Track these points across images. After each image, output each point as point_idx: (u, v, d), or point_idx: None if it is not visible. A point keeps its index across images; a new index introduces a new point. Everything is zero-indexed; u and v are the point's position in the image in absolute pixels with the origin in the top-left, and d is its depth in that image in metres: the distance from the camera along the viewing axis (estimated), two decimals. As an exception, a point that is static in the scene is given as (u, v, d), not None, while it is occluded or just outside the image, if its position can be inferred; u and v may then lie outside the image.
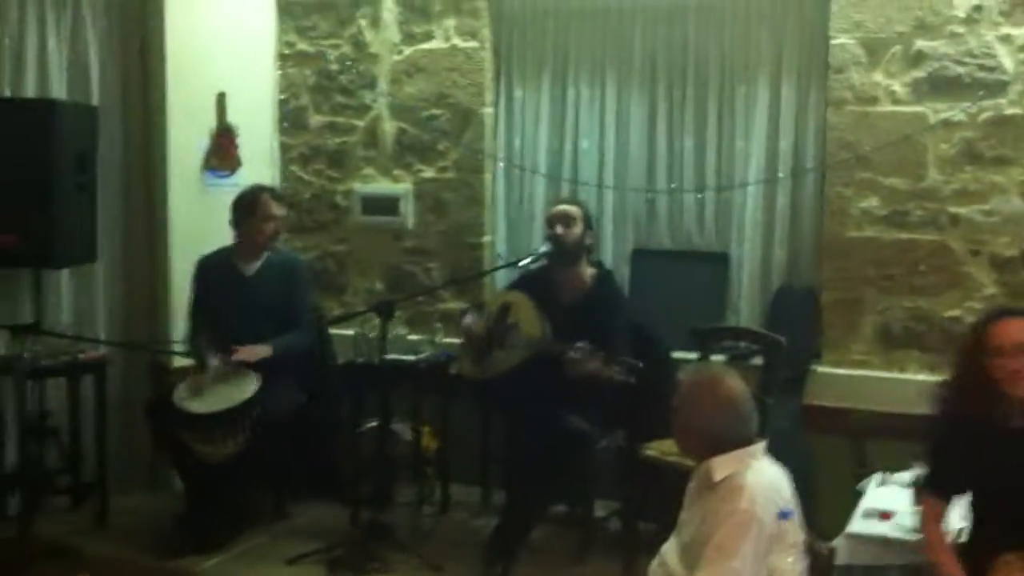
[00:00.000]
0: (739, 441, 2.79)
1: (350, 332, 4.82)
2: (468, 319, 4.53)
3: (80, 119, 4.71)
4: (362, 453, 4.73)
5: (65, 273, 4.95)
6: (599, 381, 4.06)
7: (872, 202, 4.73)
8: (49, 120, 4.48)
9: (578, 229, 4.36)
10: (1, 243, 4.41)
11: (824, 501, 4.27)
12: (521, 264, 4.53)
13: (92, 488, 4.71)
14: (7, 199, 4.43)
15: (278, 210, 4.66)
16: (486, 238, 5.48)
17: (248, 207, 4.60)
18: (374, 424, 4.63)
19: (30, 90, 4.83)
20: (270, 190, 4.74)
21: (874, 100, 4.70)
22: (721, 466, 2.75)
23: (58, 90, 4.91)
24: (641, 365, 3.91)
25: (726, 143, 5.12)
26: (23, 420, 4.47)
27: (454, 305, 5.36)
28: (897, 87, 4.66)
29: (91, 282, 5.08)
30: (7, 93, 4.77)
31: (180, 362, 4.66)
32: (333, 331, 4.89)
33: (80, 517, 4.68)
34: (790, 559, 2.41)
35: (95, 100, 5.02)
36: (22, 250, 4.44)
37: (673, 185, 5.17)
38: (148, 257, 5.26)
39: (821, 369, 4.79)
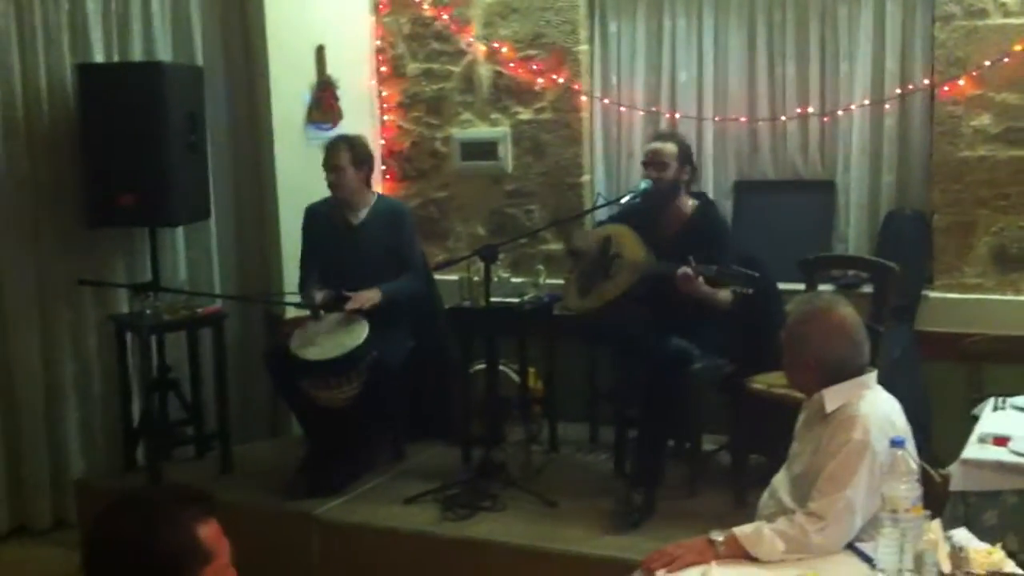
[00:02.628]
0: (852, 371, 2.76)
1: (455, 277, 4.89)
2: (577, 241, 4.54)
3: (187, 80, 4.83)
4: (472, 395, 4.82)
5: (180, 231, 5.11)
6: (711, 301, 4.04)
7: (984, 120, 4.57)
8: (157, 82, 4.60)
9: (672, 168, 4.28)
10: (120, 203, 4.58)
11: (939, 427, 4.21)
12: (621, 202, 4.52)
13: (215, 437, 4.88)
14: (122, 161, 4.58)
15: (333, 158, 4.56)
16: (585, 177, 5.47)
17: (324, 158, 4.65)
18: (482, 366, 4.70)
19: (137, 54, 4.96)
20: (344, 140, 4.65)
21: (983, 13, 4.53)
22: (833, 397, 2.73)
23: (164, 52, 5.04)
24: (758, 275, 3.86)
25: (829, 66, 5.00)
26: (146, 375, 4.66)
27: (556, 246, 5.39)
28: (1008, -2, 4.47)
29: (205, 238, 5.23)
30: (115, 58, 4.92)
31: (294, 312, 4.79)
32: (438, 276, 4.95)
33: (205, 466, 4.85)
34: (904, 487, 2.38)
35: (200, 60, 5.14)
36: (139, 210, 4.60)
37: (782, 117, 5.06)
38: (257, 212, 5.40)
39: (933, 294, 4.69)
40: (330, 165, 4.56)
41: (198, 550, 1.83)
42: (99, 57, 4.85)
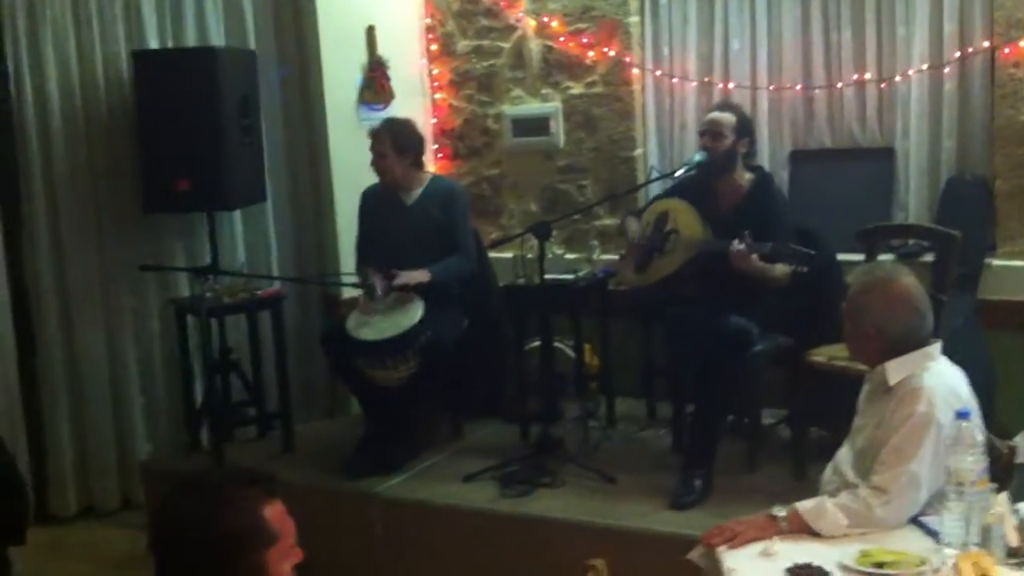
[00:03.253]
0: (915, 342, 2.71)
1: (508, 255, 4.88)
2: (633, 226, 4.50)
3: (240, 64, 4.87)
4: (527, 372, 4.82)
5: (237, 214, 5.17)
6: (767, 278, 4.00)
7: (1048, 82, 4.45)
8: (211, 67, 4.65)
9: (728, 139, 4.22)
10: (177, 188, 4.63)
11: (1004, 398, 4.13)
12: (676, 175, 4.47)
13: (276, 417, 4.93)
14: (178, 146, 4.63)
15: (376, 145, 4.56)
16: (638, 151, 5.43)
17: (370, 144, 4.65)
18: (537, 344, 4.70)
19: (190, 39, 5.01)
20: (387, 127, 4.62)
21: (1047, -28, 4.40)
22: (897, 369, 2.69)
23: (216, 37, 5.09)
24: (814, 252, 3.81)
25: (886, 31, 4.89)
26: (207, 357, 4.72)
27: (609, 222, 5.36)
28: (1071, -44, 4.34)
29: (261, 221, 5.29)
30: (170, 44, 4.97)
31: (350, 292, 4.82)
32: (492, 254, 4.95)
33: (267, 445, 4.91)
34: (969, 460, 2.34)
35: (252, 44, 5.17)
36: (196, 194, 4.67)
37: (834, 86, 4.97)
38: (313, 194, 5.44)
39: (997, 262, 4.59)
40: (374, 152, 4.58)
41: (263, 531, 1.85)
42: (154, 43, 4.90)
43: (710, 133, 4.26)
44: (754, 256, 3.93)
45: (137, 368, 4.96)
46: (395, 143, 4.56)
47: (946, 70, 4.73)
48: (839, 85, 4.98)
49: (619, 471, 4.22)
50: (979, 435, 2.44)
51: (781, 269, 3.98)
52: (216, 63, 4.67)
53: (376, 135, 4.60)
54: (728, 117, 4.27)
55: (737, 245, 3.91)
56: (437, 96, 5.86)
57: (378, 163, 4.59)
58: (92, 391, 4.86)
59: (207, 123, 4.63)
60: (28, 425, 4.76)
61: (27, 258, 4.75)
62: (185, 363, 4.84)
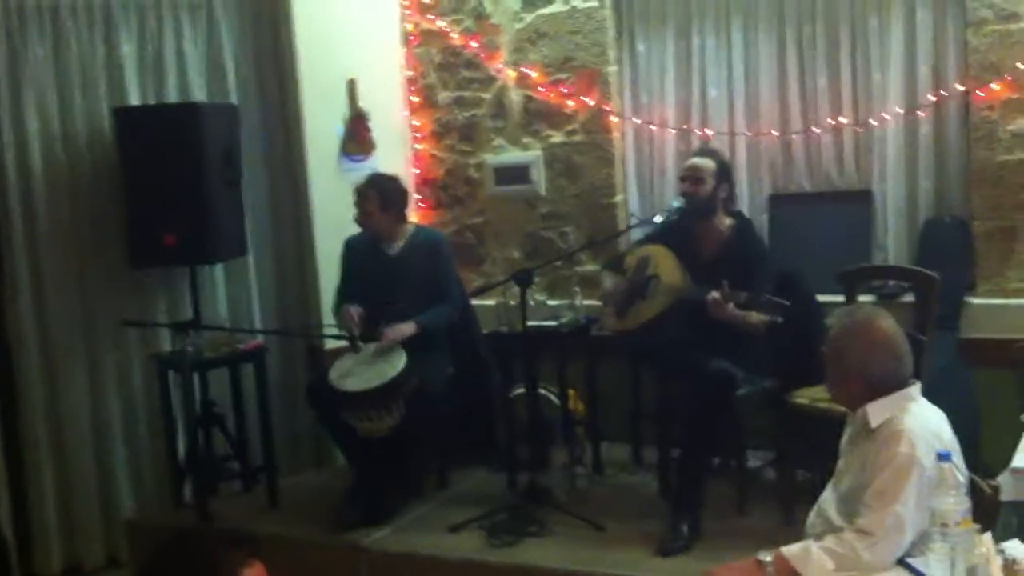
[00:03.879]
0: (895, 384, 2.73)
1: (491, 302, 4.89)
2: (608, 283, 4.53)
3: (222, 118, 4.89)
4: (514, 419, 4.81)
5: (219, 268, 5.16)
6: (743, 325, 4.02)
7: (1021, 123, 4.53)
8: (194, 122, 4.67)
9: (709, 184, 4.28)
10: (164, 243, 4.63)
11: (989, 436, 4.14)
12: (656, 221, 4.52)
13: (261, 471, 4.91)
14: (162, 201, 4.63)
15: (361, 203, 4.61)
16: (619, 197, 5.47)
17: (354, 199, 4.68)
18: (522, 391, 4.70)
19: (172, 95, 5.03)
20: (373, 184, 4.65)
21: (1016, 16, 4.49)
22: (878, 411, 2.70)
23: (199, 92, 5.10)
24: (787, 303, 3.84)
25: (861, 76, 4.95)
26: (190, 411, 4.68)
27: (592, 268, 5.37)
28: (1040, 1, 4.42)
29: (243, 274, 5.27)
30: (152, 100, 4.99)
31: (334, 344, 4.82)
32: (476, 302, 4.96)
33: (252, 499, 4.88)
34: (952, 500, 2.35)
35: (234, 98, 5.20)
36: (180, 249, 4.66)
37: (814, 128, 5.03)
38: (295, 245, 5.44)
39: (977, 301, 4.63)
40: (359, 209, 4.62)
41: None
42: (135, 99, 4.93)
43: (691, 179, 4.31)
44: (730, 305, 3.97)
45: (120, 423, 4.93)
46: (381, 200, 4.61)
47: (921, 113, 4.80)
48: (816, 130, 5.04)
49: (607, 518, 4.22)
50: (961, 476, 2.46)
51: (757, 316, 4.01)
52: (199, 118, 4.69)
53: (362, 193, 4.63)
54: (708, 163, 4.33)
55: (714, 295, 3.95)
56: (419, 146, 5.90)
57: (363, 219, 4.64)
58: (75, 446, 4.82)
59: (190, 177, 4.64)
60: (10, 481, 4.71)
61: (9, 313, 4.73)
62: (168, 418, 4.82)
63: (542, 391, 4.81)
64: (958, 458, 2.61)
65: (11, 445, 4.73)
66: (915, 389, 2.76)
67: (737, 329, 4.06)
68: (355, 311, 4.49)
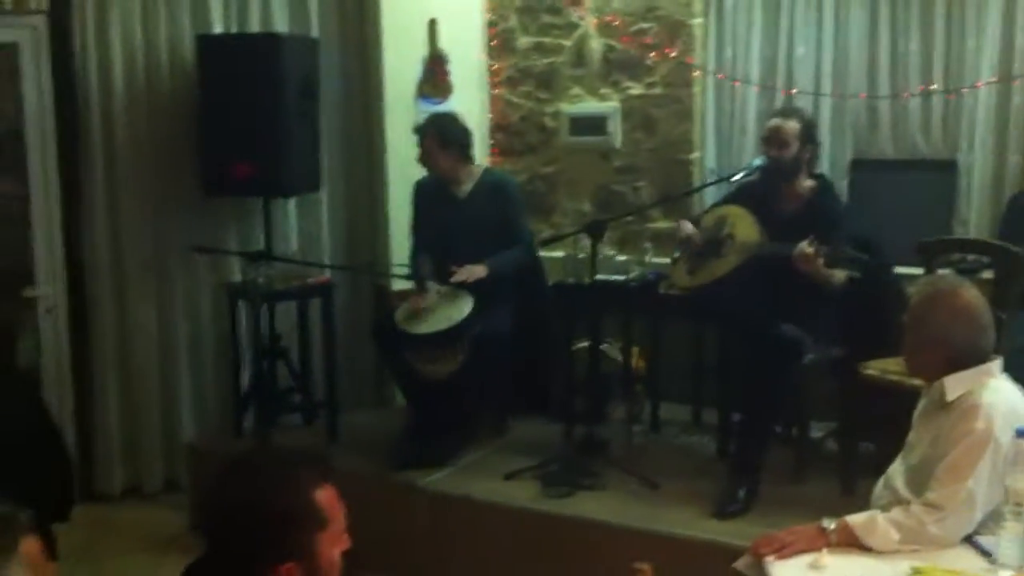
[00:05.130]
0: (976, 357, 2.65)
1: (560, 254, 4.86)
2: (687, 228, 4.43)
3: (302, 51, 4.88)
4: (574, 372, 4.79)
5: (292, 201, 5.19)
6: (826, 282, 3.93)
7: (1119, 99, 4.35)
8: (274, 53, 4.67)
9: (794, 147, 4.13)
10: (236, 173, 4.65)
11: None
12: (733, 180, 4.42)
13: (322, 406, 4.96)
14: (239, 131, 4.66)
15: (426, 143, 4.58)
16: (696, 154, 5.38)
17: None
18: (585, 344, 4.67)
19: (255, 25, 5.04)
20: (431, 123, 4.63)
21: (1125, -13, 4.30)
22: (956, 385, 2.63)
23: (280, 24, 5.11)
24: (867, 258, 3.75)
25: (955, 42, 4.81)
26: (257, 342, 4.74)
27: (663, 224, 5.30)
28: None
29: (316, 209, 5.30)
30: (234, 29, 5.00)
31: (401, 284, 4.82)
32: (543, 253, 4.92)
33: (312, 433, 4.93)
34: (1029, 480, 2.29)
35: (315, 32, 5.19)
36: (254, 180, 4.69)
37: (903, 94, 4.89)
38: (368, 184, 5.44)
39: (1061, 282, 4.48)
40: (420, 147, 4.61)
41: (315, 514, 1.84)
42: (218, 28, 4.94)
43: (775, 141, 4.17)
44: (820, 260, 3.86)
45: (187, 350, 5.00)
46: (440, 138, 4.58)
47: (1015, 84, 4.63)
48: (904, 95, 4.90)
49: (662, 476, 4.18)
50: (1040, 455, 2.39)
51: (839, 276, 3.92)
52: (279, 49, 4.69)
53: (421, 131, 4.62)
54: (792, 124, 4.18)
55: (803, 246, 3.85)
56: (495, 92, 5.85)
57: (424, 159, 4.62)
58: (141, 370, 4.90)
59: (268, 109, 4.65)
60: (77, 402, 4.81)
61: (84, 233, 4.80)
62: (234, 347, 4.88)
63: (605, 346, 4.77)
64: (1037, 437, 2.53)
65: (80, 366, 4.82)
66: (996, 365, 2.68)
67: (816, 291, 3.96)
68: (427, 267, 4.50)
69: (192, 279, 4.98)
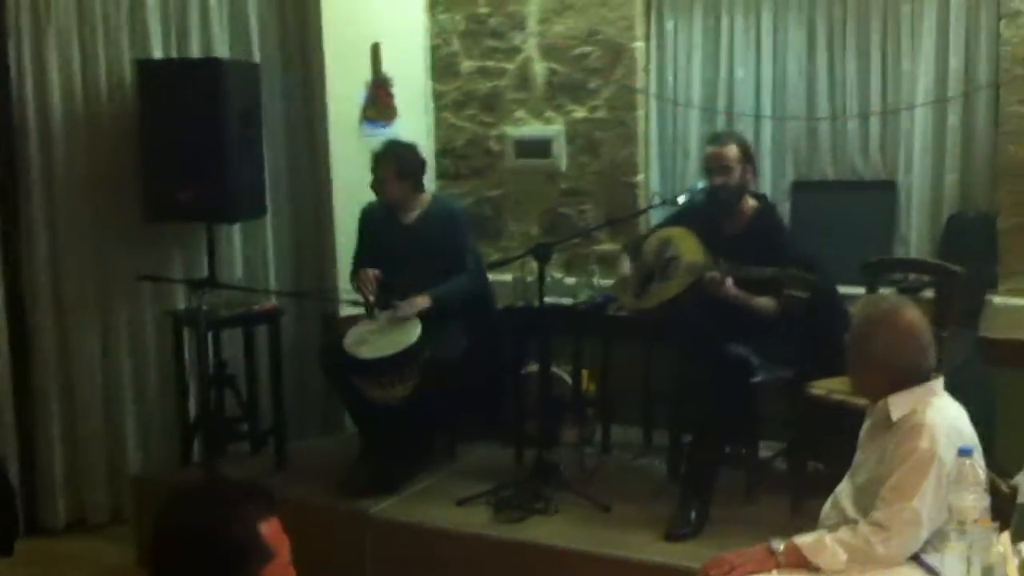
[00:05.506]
0: (918, 377, 2.70)
1: (508, 277, 4.86)
2: (625, 267, 4.49)
3: (244, 76, 4.85)
4: (525, 395, 4.79)
5: (236, 227, 5.14)
6: (749, 307, 4.02)
7: (1052, 120, 4.46)
8: (215, 79, 4.63)
9: (736, 172, 4.18)
10: (179, 198, 4.60)
11: (1005, 436, 4.11)
12: (678, 201, 4.47)
13: (269, 433, 4.90)
14: (181, 156, 4.61)
15: (378, 171, 4.58)
16: (640, 176, 5.42)
17: (371, 165, 4.64)
18: (534, 367, 4.68)
19: (195, 50, 5.00)
20: (391, 151, 4.62)
21: (1053, 10, 4.42)
22: (899, 404, 2.67)
23: (221, 48, 5.07)
24: (814, 278, 3.80)
25: (891, 65, 4.90)
26: (203, 370, 4.67)
27: (610, 246, 5.33)
28: (1079, -6, 4.36)
29: (261, 235, 5.26)
30: (174, 54, 4.95)
31: (348, 310, 4.80)
32: (492, 276, 4.92)
33: (260, 461, 4.86)
34: (971, 498, 2.32)
35: (256, 57, 5.16)
36: (197, 205, 4.63)
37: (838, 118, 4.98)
38: (313, 209, 5.41)
39: (998, 300, 4.58)
40: (375, 175, 4.59)
41: (260, 548, 1.82)
42: (158, 52, 4.89)
43: (717, 168, 4.20)
44: (730, 283, 3.94)
45: (131, 379, 4.92)
46: (398, 168, 4.57)
47: (950, 105, 4.73)
48: (843, 117, 4.98)
49: (614, 499, 4.19)
50: (981, 473, 2.42)
51: (765, 302, 4.00)
52: (220, 74, 4.65)
53: (379, 159, 4.60)
54: (731, 149, 4.22)
55: (711, 273, 3.91)
56: (440, 115, 5.85)
57: (378, 186, 4.61)
58: (85, 400, 4.81)
59: (210, 134, 4.61)
60: (19, 434, 4.71)
61: (24, 263, 4.71)
62: (180, 376, 4.81)
63: (555, 369, 4.78)
64: (979, 455, 2.58)
65: (21, 397, 4.72)
66: (938, 383, 2.73)
67: (745, 312, 4.03)
68: (372, 273, 4.47)
69: (136, 307, 4.91)
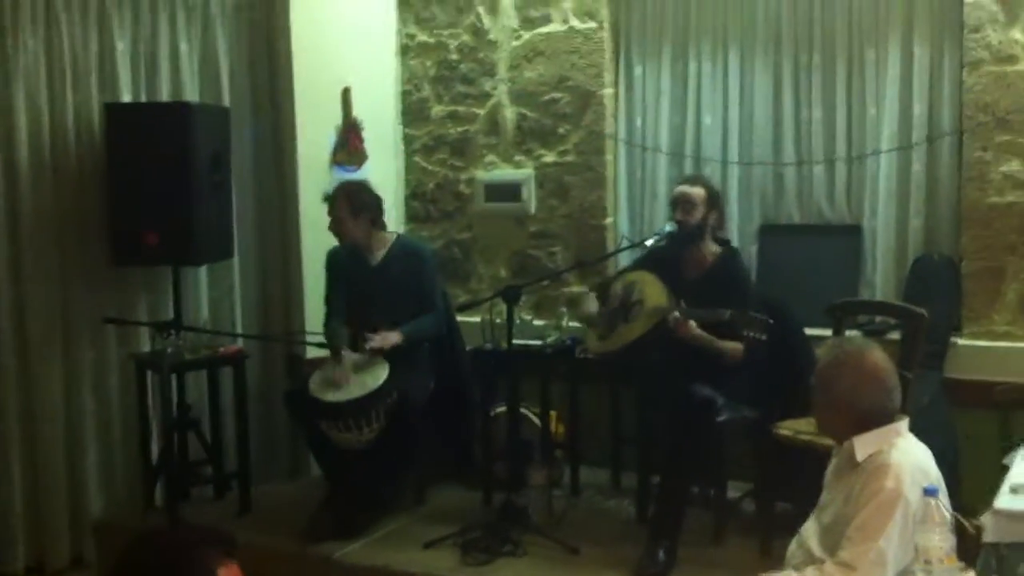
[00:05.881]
0: (884, 417, 2.70)
1: (476, 319, 4.85)
2: (591, 306, 4.52)
3: (213, 120, 4.86)
4: (493, 438, 4.77)
5: (203, 270, 5.11)
6: (712, 349, 4.08)
7: (1013, 165, 4.53)
8: (184, 122, 4.63)
9: (699, 212, 4.29)
10: (146, 241, 4.58)
11: (969, 477, 4.13)
12: (646, 244, 4.52)
13: (234, 478, 4.85)
14: (148, 199, 4.59)
15: (331, 210, 4.60)
16: (609, 220, 5.45)
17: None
18: (503, 409, 4.66)
19: (164, 94, 5.00)
20: (342, 190, 4.66)
21: (1013, 59, 4.51)
22: (865, 445, 2.68)
23: (191, 92, 5.07)
24: (771, 320, 3.83)
25: (856, 111, 4.97)
26: (166, 414, 4.62)
27: (579, 289, 5.35)
28: (1037, 44, 4.45)
29: (227, 278, 5.23)
30: (143, 97, 4.95)
31: (315, 352, 4.77)
32: (460, 318, 4.93)
33: (223, 506, 4.82)
34: (937, 537, 2.32)
35: (226, 101, 5.17)
36: (163, 248, 4.62)
37: (802, 158, 5.05)
38: (281, 252, 5.39)
39: (962, 342, 4.62)
40: (331, 216, 4.61)
41: None
42: (127, 96, 4.88)
43: (682, 206, 4.31)
44: (692, 325, 4.00)
45: (94, 422, 4.85)
46: (351, 206, 4.58)
47: (914, 151, 4.80)
48: (809, 162, 5.04)
49: (583, 541, 4.17)
50: (947, 513, 2.43)
51: (729, 345, 4.05)
52: (189, 118, 4.65)
53: (331, 199, 4.62)
54: (698, 190, 4.35)
55: (674, 314, 3.95)
56: (410, 159, 5.87)
57: (335, 227, 4.61)
58: (47, 444, 4.72)
59: (178, 178, 4.60)
60: (-22, 477, 4.64)
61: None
62: (143, 419, 4.76)
63: (523, 411, 4.76)
64: (944, 495, 2.58)
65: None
66: (903, 424, 2.74)
67: (713, 354, 4.06)
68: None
69: (100, 350, 4.85)
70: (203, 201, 4.68)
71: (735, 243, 4.73)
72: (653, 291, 4.28)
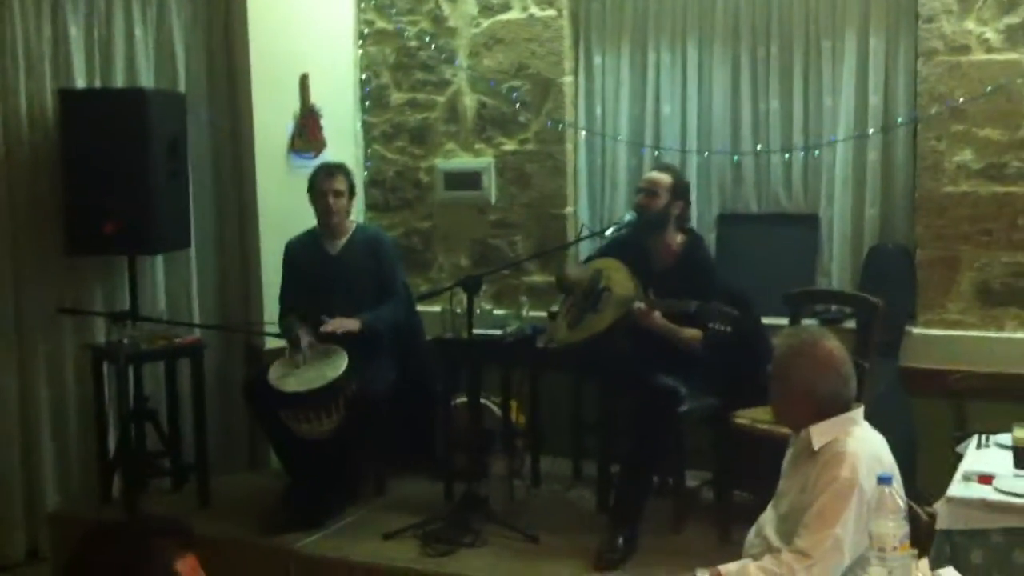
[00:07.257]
0: (839, 406, 2.73)
1: (437, 308, 4.84)
2: (569, 272, 4.58)
3: (169, 106, 4.80)
4: (454, 427, 4.77)
5: (159, 259, 5.06)
6: (676, 339, 4.11)
7: (967, 155, 4.59)
8: (139, 109, 4.58)
9: (663, 199, 4.30)
10: (102, 231, 4.51)
11: (924, 464, 4.19)
12: (606, 234, 4.52)
13: (192, 469, 4.82)
14: (103, 188, 4.53)
15: (332, 183, 4.59)
16: (569, 209, 5.46)
17: (309, 185, 4.65)
18: (464, 399, 4.66)
19: (119, 80, 4.93)
20: (341, 167, 4.70)
21: (966, 49, 4.56)
22: (821, 433, 2.70)
23: (146, 79, 5.01)
24: (737, 313, 3.86)
25: (813, 101, 5.01)
26: (123, 405, 4.58)
27: (540, 278, 5.36)
28: (990, 34, 4.51)
29: (184, 267, 5.18)
30: (98, 84, 4.88)
31: (274, 343, 4.74)
32: (421, 307, 4.91)
33: (182, 498, 4.79)
34: (891, 525, 2.35)
35: (182, 87, 5.11)
36: (119, 237, 4.55)
37: (759, 147, 5.07)
38: (238, 241, 5.34)
39: (917, 330, 4.69)
40: (330, 190, 4.55)
41: None
42: (81, 82, 4.81)
43: (646, 191, 4.33)
44: (656, 313, 4.02)
45: (49, 414, 4.79)
46: (350, 186, 4.62)
47: (870, 141, 4.85)
48: (766, 152, 5.07)
49: (543, 530, 4.18)
50: (901, 500, 2.46)
51: (691, 333, 4.07)
52: (145, 105, 4.60)
53: (335, 174, 4.61)
54: (665, 177, 4.35)
55: (639, 304, 3.96)
56: (370, 147, 5.84)
57: (335, 202, 4.57)
58: (2, 436, 4.67)
59: (134, 165, 4.55)
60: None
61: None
62: (100, 411, 4.70)
63: (484, 400, 4.76)
64: (898, 483, 2.61)
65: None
66: (858, 413, 2.77)
67: (672, 343, 4.09)
68: (300, 328, 4.44)
69: (55, 341, 4.79)
70: (159, 189, 4.63)
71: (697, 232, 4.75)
72: (619, 278, 4.29)
